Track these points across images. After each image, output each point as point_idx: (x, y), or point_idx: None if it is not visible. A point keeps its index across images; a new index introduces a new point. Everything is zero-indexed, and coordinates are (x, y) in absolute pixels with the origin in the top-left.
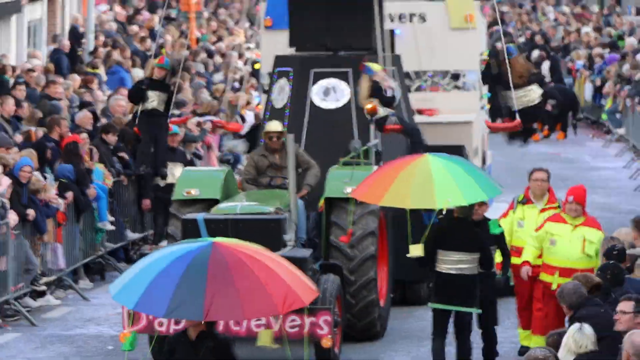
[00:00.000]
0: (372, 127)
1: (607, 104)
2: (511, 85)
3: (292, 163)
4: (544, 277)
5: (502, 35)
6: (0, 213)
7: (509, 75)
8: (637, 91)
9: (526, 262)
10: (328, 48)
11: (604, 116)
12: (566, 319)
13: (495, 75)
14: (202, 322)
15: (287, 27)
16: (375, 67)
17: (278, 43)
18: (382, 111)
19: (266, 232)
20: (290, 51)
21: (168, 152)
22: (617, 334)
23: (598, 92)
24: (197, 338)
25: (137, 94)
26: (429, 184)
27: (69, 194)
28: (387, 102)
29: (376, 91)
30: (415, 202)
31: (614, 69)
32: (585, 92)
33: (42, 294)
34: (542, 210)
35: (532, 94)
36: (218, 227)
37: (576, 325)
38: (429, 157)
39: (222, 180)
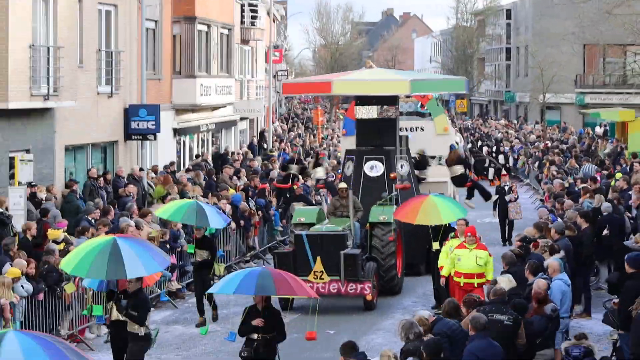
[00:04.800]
0: (395, 188)
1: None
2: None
3: (351, 205)
4: (456, 278)
5: (455, 143)
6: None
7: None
8: (534, 160)
9: (443, 276)
10: (373, 145)
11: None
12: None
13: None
14: (263, 299)
15: (353, 134)
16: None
17: (348, 143)
18: (459, 170)
19: (338, 241)
20: (353, 147)
21: (296, 197)
22: (525, 281)
23: (515, 161)
24: (262, 309)
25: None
26: (436, 211)
27: (260, 213)
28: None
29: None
30: (433, 220)
31: (524, 150)
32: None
33: (247, 262)
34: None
35: (456, 170)
36: (313, 239)
37: (505, 275)
38: (431, 196)
39: (317, 213)
